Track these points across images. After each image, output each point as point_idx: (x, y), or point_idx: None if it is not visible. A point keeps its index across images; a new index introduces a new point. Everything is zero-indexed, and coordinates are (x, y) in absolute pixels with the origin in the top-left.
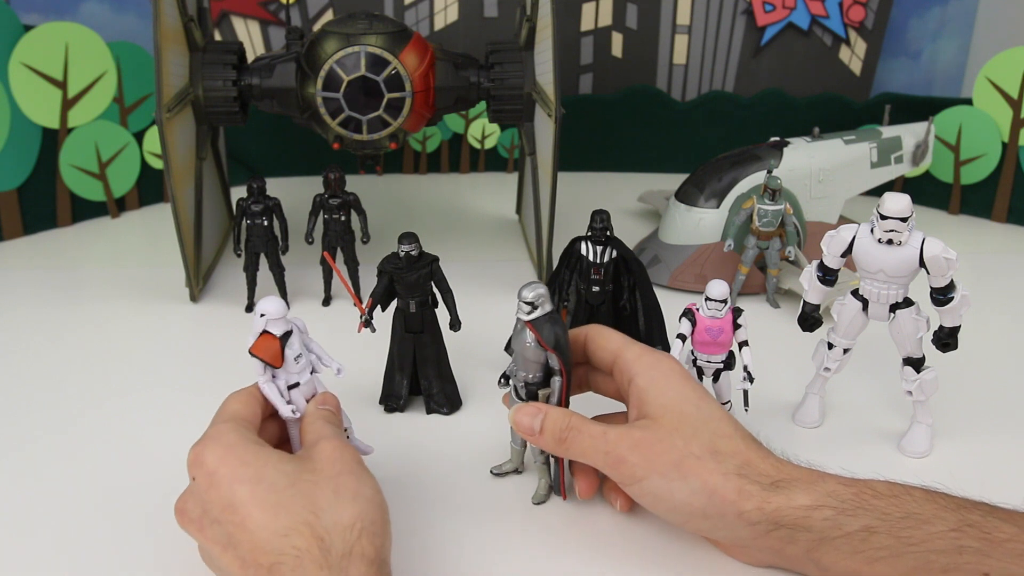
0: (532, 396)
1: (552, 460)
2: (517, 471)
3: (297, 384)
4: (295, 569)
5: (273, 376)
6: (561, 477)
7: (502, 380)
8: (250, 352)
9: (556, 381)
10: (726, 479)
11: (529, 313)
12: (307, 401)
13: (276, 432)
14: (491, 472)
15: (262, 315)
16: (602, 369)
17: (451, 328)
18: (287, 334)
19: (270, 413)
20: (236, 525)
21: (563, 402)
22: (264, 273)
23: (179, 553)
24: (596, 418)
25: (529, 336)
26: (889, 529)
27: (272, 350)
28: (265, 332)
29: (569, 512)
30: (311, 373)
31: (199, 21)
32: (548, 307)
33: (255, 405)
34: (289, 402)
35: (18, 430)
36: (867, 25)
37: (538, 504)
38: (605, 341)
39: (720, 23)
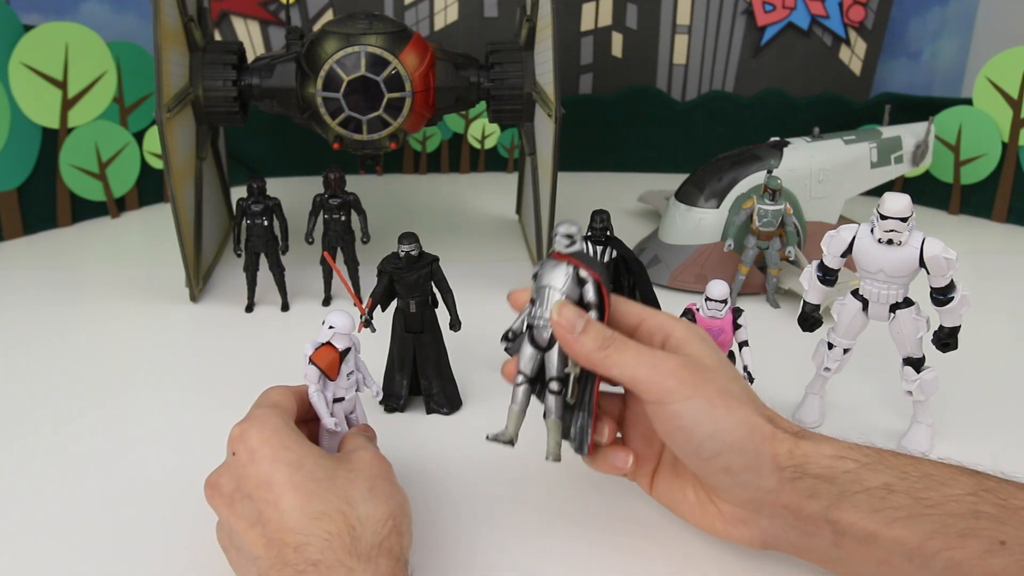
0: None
1: (581, 411)
2: (511, 443)
3: (342, 399)
4: (323, 551)
5: (323, 387)
6: (593, 426)
7: (509, 335)
8: (310, 360)
9: (593, 315)
10: (764, 420)
11: (568, 246)
12: (344, 416)
13: (306, 436)
14: (486, 438)
15: (331, 327)
16: (620, 329)
17: (451, 328)
18: (347, 350)
19: (302, 419)
20: (269, 503)
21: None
22: (264, 273)
23: (180, 550)
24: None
25: (566, 270)
26: (908, 489)
27: (330, 360)
28: (327, 343)
29: (571, 513)
30: (355, 391)
31: (199, 21)
32: (581, 246)
33: (293, 402)
34: (331, 415)
35: (18, 430)
36: (867, 25)
37: (554, 460)
38: (626, 306)
39: (720, 23)
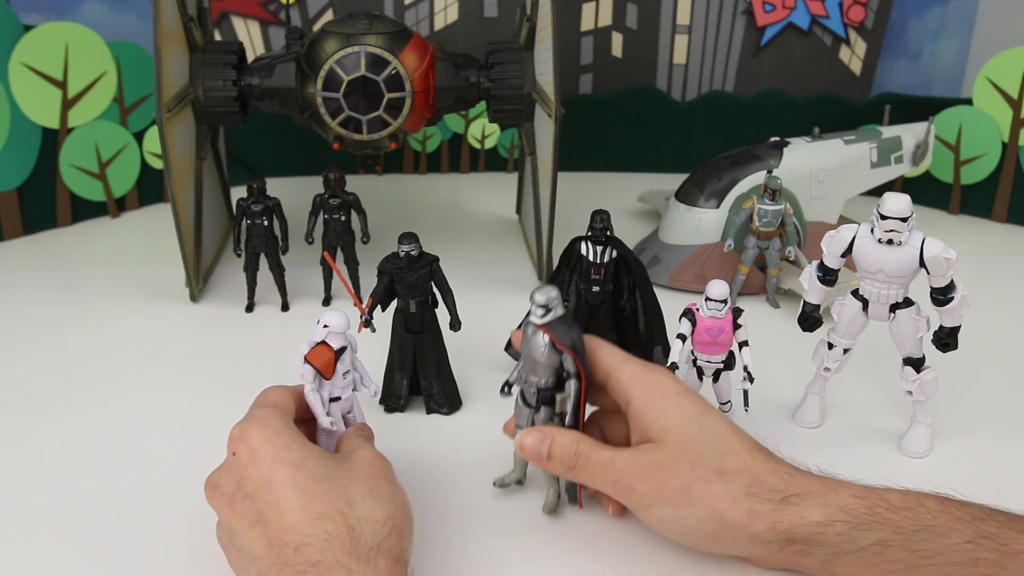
0: (546, 402)
1: None
2: (519, 482)
3: (338, 399)
4: (323, 552)
5: (319, 386)
6: (579, 485)
7: (505, 388)
8: (305, 359)
9: (572, 384)
10: (735, 503)
11: (543, 316)
12: (342, 416)
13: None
14: (494, 484)
15: (325, 326)
16: (594, 383)
17: (451, 328)
18: (342, 349)
19: (300, 419)
20: (269, 503)
21: (581, 406)
22: (264, 273)
23: (180, 550)
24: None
25: (543, 340)
26: (904, 543)
27: (325, 359)
28: (323, 343)
29: (573, 513)
30: (352, 391)
31: (199, 21)
32: (560, 310)
33: (292, 402)
34: (328, 414)
35: (18, 430)
36: (867, 25)
37: (550, 514)
38: (595, 358)
39: (720, 23)
